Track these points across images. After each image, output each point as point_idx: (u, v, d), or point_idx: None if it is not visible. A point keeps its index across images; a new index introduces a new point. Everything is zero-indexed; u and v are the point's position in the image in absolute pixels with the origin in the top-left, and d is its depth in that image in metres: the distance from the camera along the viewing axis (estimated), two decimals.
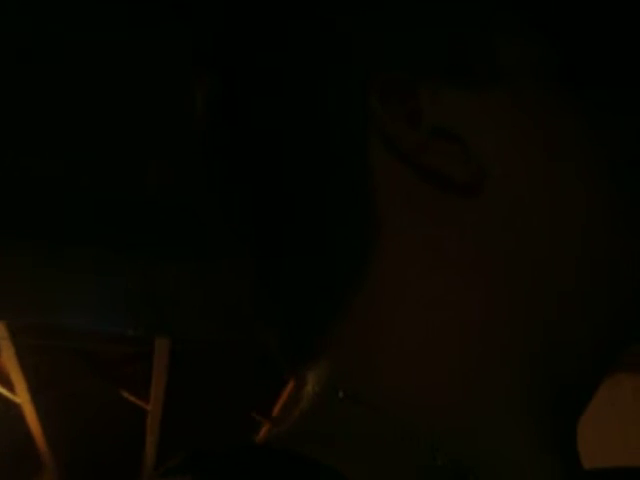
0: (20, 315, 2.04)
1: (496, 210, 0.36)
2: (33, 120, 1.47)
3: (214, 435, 2.87)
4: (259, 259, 0.39)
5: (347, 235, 0.37)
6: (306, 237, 0.38)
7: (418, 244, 0.36)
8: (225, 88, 0.39)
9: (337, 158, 0.37)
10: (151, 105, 1.46)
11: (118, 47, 1.39)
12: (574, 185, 0.36)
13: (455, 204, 0.36)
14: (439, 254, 0.36)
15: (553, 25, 0.37)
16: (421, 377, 0.36)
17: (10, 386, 2.87)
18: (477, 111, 0.36)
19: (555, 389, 0.37)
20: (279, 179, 0.38)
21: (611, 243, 0.37)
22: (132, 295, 1.80)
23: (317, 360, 0.39)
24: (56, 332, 2.57)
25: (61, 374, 2.98)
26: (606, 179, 0.36)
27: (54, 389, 2.96)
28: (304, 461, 0.33)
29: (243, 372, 2.77)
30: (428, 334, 0.36)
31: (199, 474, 0.32)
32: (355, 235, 0.37)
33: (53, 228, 1.59)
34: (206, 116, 0.40)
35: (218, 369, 2.85)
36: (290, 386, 2.66)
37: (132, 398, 3.06)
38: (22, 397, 2.90)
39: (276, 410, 3.00)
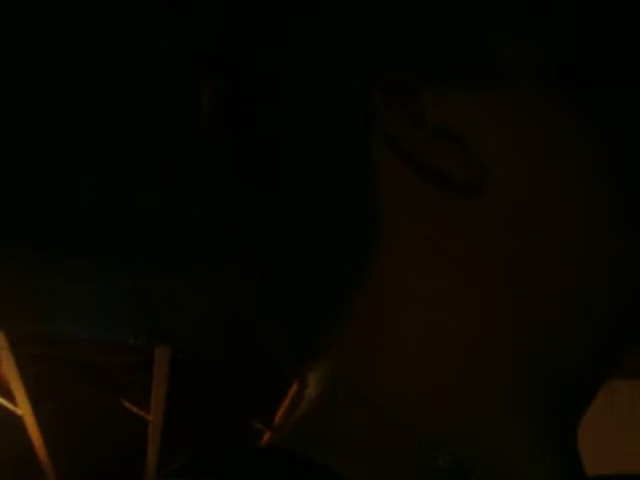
0: (19, 323, 2.04)
1: (497, 210, 0.36)
2: (33, 121, 1.46)
3: (216, 444, 2.86)
4: (261, 260, 0.39)
5: (349, 234, 0.37)
6: (308, 236, 0.38)
7: (419, 243, 0.36)
8: (228, 90, 0.39)
9: (340, 158, 0.37)
10: (152, 108, 1.45)
11: (118, 48, 1.39)
12: (574, 185, 0.36)
13: (456, 204, 0.36)
14: (440, 254, 0.36)
15: (553, 25, 0.37)
16: (422, 377, 0.36)
17: (11, 397, 2.87)
18: (478, 111, 0.36)
19: (555, 389, 0.37)
20: (282, 179, 0.38)
21: (611, 243, 0.37)
22: (132, 304, 1.80)
23: (318, 360, 0.39)
24: (56, 342, 2.57)
25: (61, 384, 2.98)
26: (606, 179, 0.36)
27: (54, 399, 2.96)
28: (304, 462, 0.33)
29: (244, 381, 2.77)
30: (429, 334, 0.36)
31: (199, 476, 0.33)
32: (357, 234, 0.37)
33: (53, 237, 1.59)
34: (211, 118, 0.40)
35: (219, 378, 2.85)
36: (291, 394, 2.66)
37: (133, 408, 3.05)
38: (23, 408, 2.90)
39: (277, 419, 2.99)
